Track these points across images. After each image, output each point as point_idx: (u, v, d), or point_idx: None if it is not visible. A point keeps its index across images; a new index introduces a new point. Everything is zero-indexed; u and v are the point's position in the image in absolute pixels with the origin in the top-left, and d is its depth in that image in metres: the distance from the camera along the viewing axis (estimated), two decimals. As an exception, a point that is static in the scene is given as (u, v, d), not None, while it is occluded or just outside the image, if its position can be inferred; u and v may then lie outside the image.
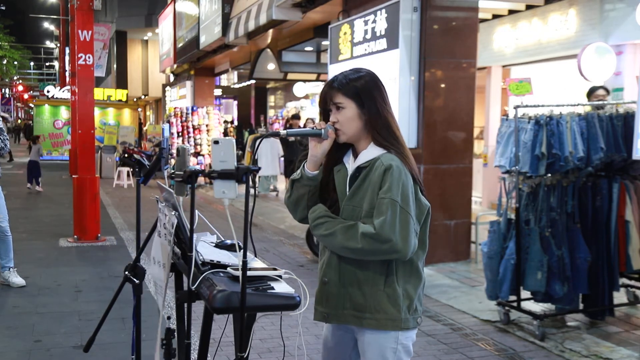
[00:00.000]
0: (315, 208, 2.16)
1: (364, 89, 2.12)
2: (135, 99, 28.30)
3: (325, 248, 2.22)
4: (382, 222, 1.98)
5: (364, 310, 2.10)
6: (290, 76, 15.71)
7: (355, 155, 2.17)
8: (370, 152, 2.12)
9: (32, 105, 32.35)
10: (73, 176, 8.53)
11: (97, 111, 19.97)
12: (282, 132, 2.17)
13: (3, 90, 45.73)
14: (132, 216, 10.05)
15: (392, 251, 2.00)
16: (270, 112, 20.85)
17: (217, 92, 22.19)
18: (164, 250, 2.40)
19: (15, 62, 48.74)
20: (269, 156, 12.54)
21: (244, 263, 2.01)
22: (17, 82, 53.30)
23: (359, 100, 2.11)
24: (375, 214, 2.01)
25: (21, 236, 7.96)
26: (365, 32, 7.18)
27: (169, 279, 2.41)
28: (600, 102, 4.99)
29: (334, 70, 7.96)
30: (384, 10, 6.76)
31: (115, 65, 29.99)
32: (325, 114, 2.18)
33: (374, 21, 6.96)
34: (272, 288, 2.12)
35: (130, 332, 3.17)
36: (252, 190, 2.10)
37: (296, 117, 12.39)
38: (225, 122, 16.49)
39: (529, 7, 8.59)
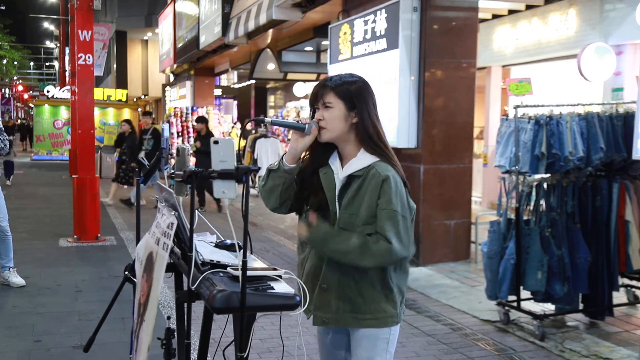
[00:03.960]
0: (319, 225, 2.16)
1: (357, 93, 2.16)
2: (135, 99, 28.29)
3: (304, 245, 2.27)
4: (390, 234, 2.06)
5: (364, 312, 2.16)
6: (290, 76, 15.70)
7: (342, 159, 2.20)
8: (362, 160, 2.15)
9: (32, 105, 32.33)
10: (73, 176, 8.53)
11: (97, 111, 19.97)
12: (267, 119, 2.19)
13: (3, 90, 45.68)
14: (132, 216, 10.04)
15: (403, 258, 2.13)
16: (270, 112, 20.85)
17: (217, 92, 22.19)
18: (147, 247, 2.41)
19: (15, 62, 48.69)
20: (269, 156, 12.54)
21: (244, 263, 2.01)
22: (17, 82, 53.23)
23: (349, 102, 2.14)
24: (382, 227, 2.07)
25: (21, 236, 7.96)
26: (365, 32, 7.18)
27: (169, 278, 2.41)
28: (600, 103, 4.99)
29: (334, 70, 7.97)
30: (383, 10, 6.76)
31: (115, 65, 29.99)
32: (314, 112, 2.21)
33: (374, 21, 6.96)
34: (272, 288, 2.12)
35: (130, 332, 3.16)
36: (252, 191, 2.11)
37: (201, 120, 11.44)
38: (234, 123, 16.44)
39: (529, 7, 8.59)
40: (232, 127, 16.22)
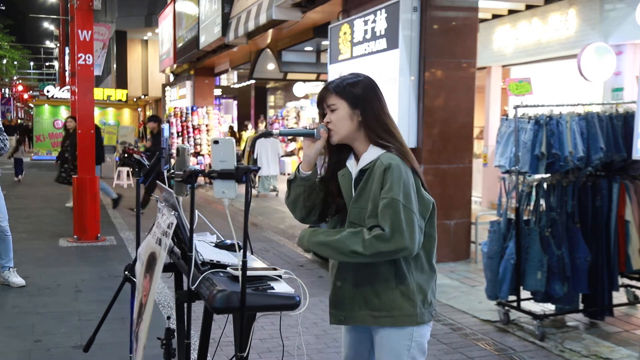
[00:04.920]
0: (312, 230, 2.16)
1: (359, 91, 2.16)
2: (135, 99, 28.29)
3: None
4: (386, 222, 2.00)
5: (379, 309, 2.13)
6: (290, 76, 15.71)
7: (357, 159, 2.20)
8: (371, 153, 2.14)
9: (32, 105, 32.35)
10: (73, 176, 8.53)
11: (97, 111, 19.98)
12: (275, 131, 2.20)
13: (3, 90, 45.66)
14: (132, 216, 10.05)
15: (400, 250, 2.01)
16: (270, 112, 20.87)
17: (217, 92, 22.20)
18: (148, 247, 2.41)
19: (15, 62, 48.68)
20: (269, 156, 12.55)
21: (244, 263, 2.01)
22: (17, 82, 53.19)
23: (352, 101, 2.14)
24: (380, 215, 2.02)
25: (21, 236, 7.96)
26: (365, 32, 7.18)
27: (169, 278, 2.41)
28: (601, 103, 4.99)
29: (333, 70, 7.97)
30: (383, 10, 6.76)
31: (115, 65, 30.00)
32: (323, 116, 2.22)
33: (374, 21, 6.96)
34: (272, 288, 2.12)
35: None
36: (252, 190, 2.11)
37: (153, 119, 10.95)
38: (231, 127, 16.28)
39: (529, 7, 8.59)
40: (246, 129, 16.17)
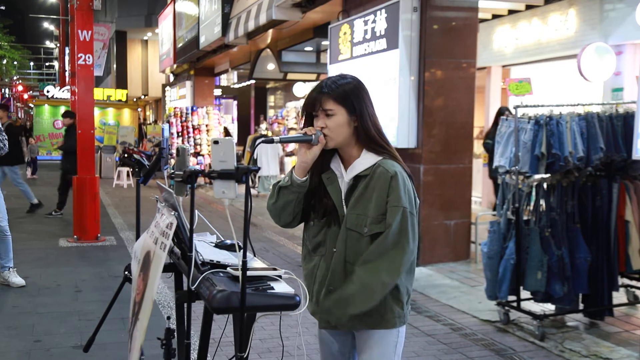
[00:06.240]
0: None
1: (355, 95, 2.13)
2: (135, 99, 28.29)
3: (312, 254, 2.23)
4: (396, 232, 2.05)
5: (372, 313, 2.12)
6: (290, 76, 15.70)
7: (344, 161, 2.18)
8: (366, 159, 2.13)
9: (32, 105, 32.34)
10: (73, 176, 8.53)
11: (97, 111, 19.97)
12: (276, 138, 2.17)
13: (3, 90, 45.65)
14: (132, 216, 10.04)
15: (411, 254, 2.10)
16: (270, 112, 20.84)
17: (217, 92, 22.18)
18: (145, 246, 2.41)
19: (15, 62, 48.65)
20: (269, 156, 12.55)
21: (244, 263, 2.01)
22: (17, 82, 53.12)
23: (350, 106, 2.11)
24: (392, 225, 2.05)
25: (21, 236, 7.96)
26: (365, 32, 7.18)
27: (169, 278, 2.41)
28: (601, 103, 4.99)
29: (333, 70, 7.97)
30: (383, 10, 6.76)
31: (115, 65, 30.00)
32: (309, 118, 2.16)
33: (374, 21, 6.96)
34: (272, 288, 2.12)
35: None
36: (252, 191, 2.10)
37: (67, 114, 10.21)
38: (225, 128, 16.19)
39: (528, 7, 8.59)
40: (261, 128, 16.07)
